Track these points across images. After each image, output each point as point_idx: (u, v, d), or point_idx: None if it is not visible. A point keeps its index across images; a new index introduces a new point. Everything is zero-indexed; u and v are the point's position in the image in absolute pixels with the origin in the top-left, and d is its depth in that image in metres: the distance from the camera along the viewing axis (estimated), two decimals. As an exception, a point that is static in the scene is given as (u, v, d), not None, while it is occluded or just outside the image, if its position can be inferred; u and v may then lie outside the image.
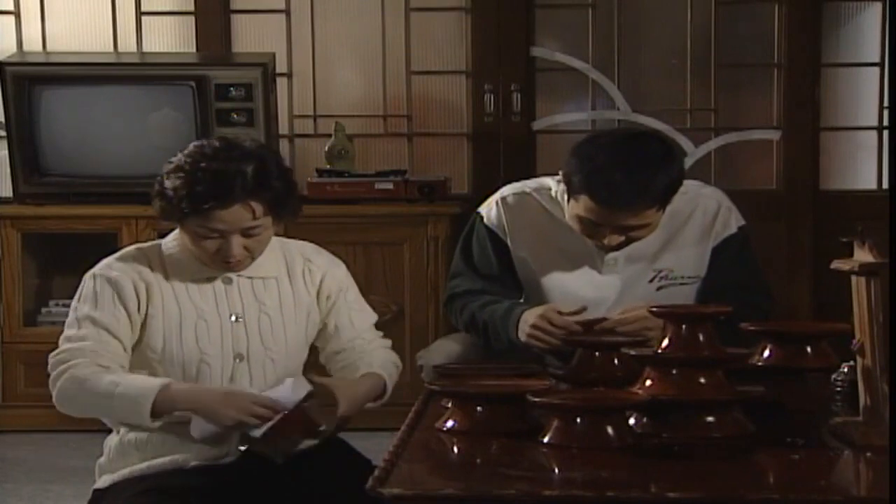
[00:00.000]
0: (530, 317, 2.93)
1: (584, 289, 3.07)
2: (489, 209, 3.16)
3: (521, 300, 3.13)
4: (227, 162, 2.56)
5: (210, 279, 2.68)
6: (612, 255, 3.05)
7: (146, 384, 2.53)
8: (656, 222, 2.97)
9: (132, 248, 2.74)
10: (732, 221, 3.10)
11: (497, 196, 3.17)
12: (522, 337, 2.94)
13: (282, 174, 2.62)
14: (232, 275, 2.69)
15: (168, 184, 2.57)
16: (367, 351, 2.81)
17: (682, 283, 3.07)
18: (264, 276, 2.71)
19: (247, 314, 2.69)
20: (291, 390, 2.55)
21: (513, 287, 3.14)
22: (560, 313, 2.90)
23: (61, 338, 2.64)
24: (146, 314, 2.63)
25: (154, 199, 2.62)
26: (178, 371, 2.63)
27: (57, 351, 2.62)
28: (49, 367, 2.61)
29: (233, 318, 2.68)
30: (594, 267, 3.08)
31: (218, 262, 2.63)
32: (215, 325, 2.66)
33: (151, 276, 2.66)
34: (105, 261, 2.69)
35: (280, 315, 2.71)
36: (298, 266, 2.76)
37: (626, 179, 2.87)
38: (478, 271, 3.14)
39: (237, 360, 2.67)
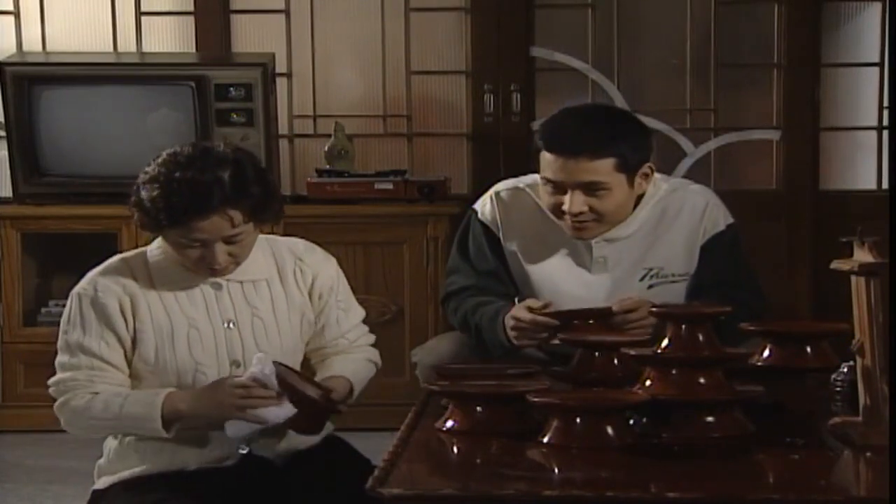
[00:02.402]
0: (509, 319, 2.95)
1: (574, 287, 3.07)
2: (483, 205, 3.17)
3: (517, 297, 3.14)
4: (203, 171, 2.51)
5: (198, 285, 2.65)
6: (600, 253, 3.05)
7: (148, 401, 2.55)
8: (621, 193, 2.97)
9: (116, 259, 2.70)
10: (720, 219, 3.10)
11: (491, 191, 3.19)
12: (513, 340, 2.95)
13: (259, 178, 2.58)
14: (221, 280, 2.66)
15: (144, 195, 2.54)
16: (346, 352, 2.79)
17: (672, 281, 3.07)
18: (254, 279, 2.68)
19: (240, 319, 2.66)
20: (259, 363, 2.54)
21: (509, 282, 3.14)
22: (530, 309, 2.91)
23: (56, 361, 2.63)
24: (135, 329, 2.61)
25: (132, 209, 2.58)
26: (174, 381, 2.61)
27: (55, 379, 2.62)
28: (51, 391, 2.63)
29: (226, 324, 2.65)
30: (583, 265, 3.09)
31: (203, 270, 2.61)
32: (208, 333, 2.64)
33: (136, 288, 2.62)
34: (88, 277, 2.65)
35: (273, 318, 2.69)
36: (289, 266, 2.73)
37: (578, 127, 2.98)
38: (474, 267, 3.15)
39: (234, 367, 2.64)
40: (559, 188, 2.97)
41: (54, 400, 2.63)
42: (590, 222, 3.00)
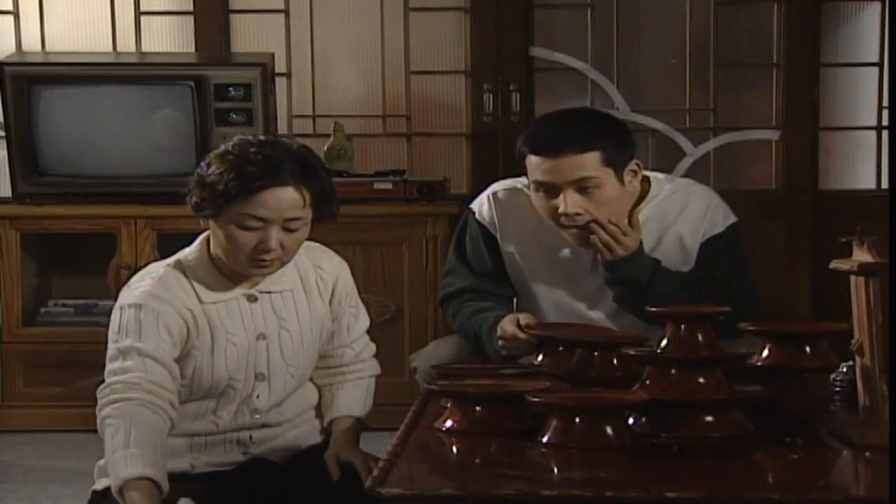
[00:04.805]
0: (498, 330, 2.94)
1: (571, 289, 3.07)
2: (481, 205, 3.17)
3: (515, 297, 3.13)
4: (275, 149, 2.54)
5: (235, 297, 2.62)
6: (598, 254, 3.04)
7: (117, 473, 2.38)
8: (612, 189, 2.96)
9: (159, 274, 2.59)
10: (720, 220, 3.09)
11: (488, 191, 3.19)
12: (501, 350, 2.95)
13: (325, 169, 2.62)
14: (255, 291, 2.63)
15: (212, 170, 2.52)
16: (351, 370, 2.79)
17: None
18: (282, 290, 2.67)
19: (269, 333, 2.64)
20: None
21: (506, 283, 3.14)
22: (519, 327, 2.90)
23: (106, 371, 2.53)
24: (191, 345, 2.56)
25: (192, 189, 2.55)
26: (203, 393, 2.60)
27: (103, 385, 2.51)
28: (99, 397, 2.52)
29: (258, 339, 2.64)
30: (581, 266, 3.08)
31: (250, 262, 2.55)
32: (243, 347, 2.61)
33: (188, 304, 2.57)
34: (146, 292, 2.55)
35: (298, 329, 2.68)
36: (311, 275, 2.72)
37: (560, 126, 3.01)
38: (471, 267, 3.15)
39: (258, 380, 2.64)
40: (551, 190, 2.97)
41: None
42: (589, 224, 2.99)
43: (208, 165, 2.54)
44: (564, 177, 2.94)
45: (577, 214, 2.96)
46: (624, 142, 3.00)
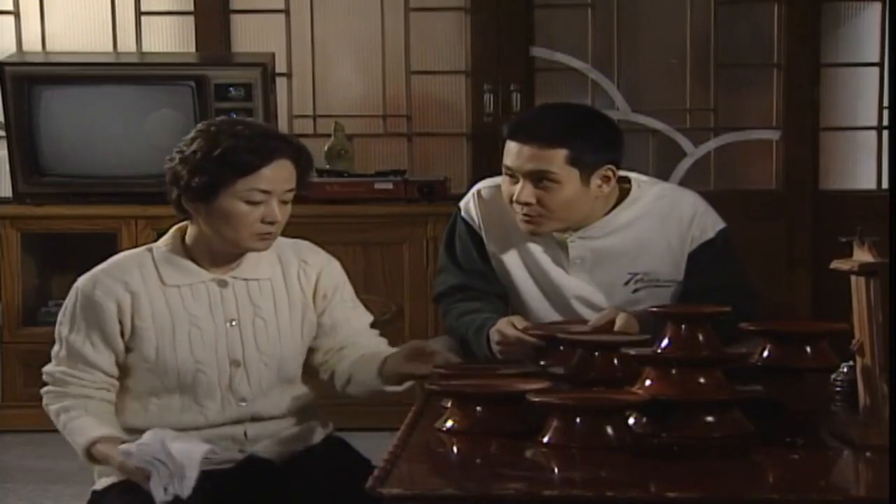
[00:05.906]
0: (494, 334, 2.92)
1: (552, 288, 3.07)
2: (467, 203, 3.16)
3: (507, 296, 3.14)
4: (262, 126, 2.65)
5: (205, 282, 2.65)
6: (577, 253, 3.03)
7: (80, 437, 2.56)
8: (571, 189, 2.94)
9: (121, 255, 2.70)
10: (709, 226, 3.05)
11: (474, 189, 3.18)
12: (497, 354, 2.93)
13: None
14: (227, 277, 2.66)
15: (208, 151, 2.55)
16: (376, 343, 2.79)
17: (657, 286, 3.04)
18: (259, 279, 2.68)
19: (241, 318, 2.65)
20: (154, 437, 2.44)
21: (495, 281, 3.12)
22: (517, 327, 2.89)
23: (52, 349, 2.65)
24: (133, 327, 2.60)
25: (183, 178, 2.57)
26: (174, 380, 2.61)
27: (46, 368, 2.65)
28: (43, 377, 2.67)
29: (228, 323, 2.65)
30: (560, 265, 3.07)
31: (255, 237, 2.60)
32: (210, 332, 2.63)
33: (140, 285, 2.61)
34: (92, 272, 2.65)
35: (275, 318, 2.68)
36: (293, 267, 2.73)
37: (539, 117, 3.03)
38: (460, 266, 3.14)
39: (233, 367, 2.64)
40: (513, 176, 2.98)
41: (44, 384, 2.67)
42: (537, 217, 2.98)
43: (197, 153, 2.56)
44: (525, 166, 2.95)
45: (528, 205, 2.96)
46: (602, 145, 2.97)
